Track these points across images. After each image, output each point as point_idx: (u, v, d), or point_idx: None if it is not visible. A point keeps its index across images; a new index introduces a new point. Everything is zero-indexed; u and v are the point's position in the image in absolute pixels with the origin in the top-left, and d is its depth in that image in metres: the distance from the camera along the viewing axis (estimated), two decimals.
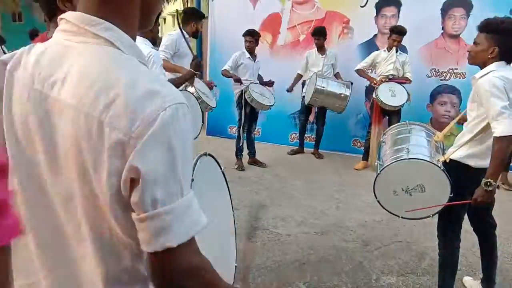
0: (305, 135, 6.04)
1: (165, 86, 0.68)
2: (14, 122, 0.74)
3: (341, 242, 3.30)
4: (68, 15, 0.74)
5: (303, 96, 5.59)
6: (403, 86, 5.10)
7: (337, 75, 5.64)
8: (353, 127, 6.05)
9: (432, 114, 5.68)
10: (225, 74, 5.02)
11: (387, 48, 5.18)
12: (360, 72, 5.34)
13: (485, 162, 2.19)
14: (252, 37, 5.02)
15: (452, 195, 2.28)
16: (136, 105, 0.64)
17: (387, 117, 5.23)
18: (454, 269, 2.47)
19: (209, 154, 1.55)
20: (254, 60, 5.14)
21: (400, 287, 2.73)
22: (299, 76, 5.68)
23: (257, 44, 5.10)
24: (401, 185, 2.39)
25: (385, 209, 2.52)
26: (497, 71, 2.18)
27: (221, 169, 1.62)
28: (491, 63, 2.22)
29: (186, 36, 4.11)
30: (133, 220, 0.66)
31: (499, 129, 2.07)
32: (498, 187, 2.15)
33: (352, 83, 5.40)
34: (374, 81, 5.19)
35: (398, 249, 3.23)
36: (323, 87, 5.19)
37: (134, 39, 0.78)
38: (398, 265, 2.99)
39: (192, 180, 1.25)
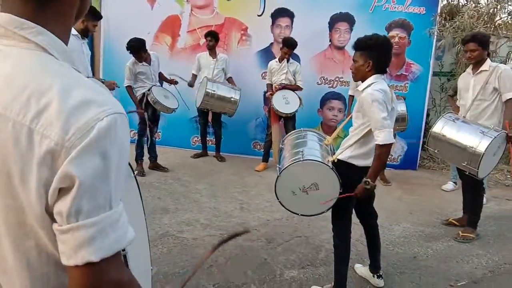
0: (207, 138, 6.09)
1: (102, 95, 0.66)
2: None
3: (246, 242, 3.43)
4: None
5: None
6: (295, 93, 5.48)
7: (229, 80, 5.78)
8: (253, 130, 6.29)
9: (322, 118, 6.20)
10: (130, 92, 4.88)
11: (279, 59, 5.49)
12: (268, 86, 5.61)
13: (366, 162, 2.55)
14: (137, 53, 4.82)
15: (341, 191, 2.57)
16: (71, 114, 0.61)
17: (283, 121, 5.56)
18: (346, 257, 2.76)
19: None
20: (150, 63, 5.00)
21: (301, 279, 2.95)
22: (194, 76, 5.71)
23: (145, 53, 4.94)
24: (298, 185, 2.61)
25: (286, 209, 2.72)
26: (376, 83, 2.50)
27: (133, 173, 1.58)
28: (370, 76, 2.54)
29: (75, 33, 3.87)
30: (55, 231, 0.63)
31: (381, 138, 2.40)
32: (375, 186, 2.50)
33: (241, 89, 5.59)
34: (270, 93, 5.47)
35: (298, 243, 3.48)
36: (214, 90, 5.34)
37: (67, 42, 0.75)
38: (299, 258, 3.22)
39: None
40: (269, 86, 5.63)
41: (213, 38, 5.52)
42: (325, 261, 3.21)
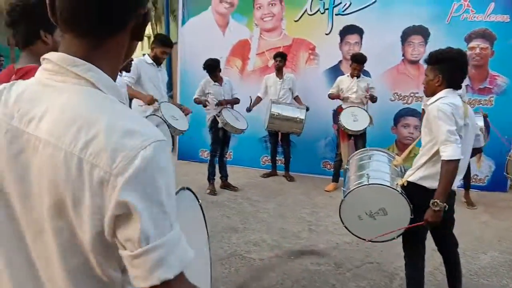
0: (277, 158, 6.13)
1: (144, 126, 0.71)
2: None
3: (314, 266, 3.34)
4: (51, 55, 0.76)
5: None
6: (365, 110, 5.30)
7: (296, 99, 5.80)
8: (322, 150, 6.20)
9: (396, 136, 5.91)
10: (197, 101, 5.11)
11: (350, 74, 5.39)
12: (332, 96, 5.50)
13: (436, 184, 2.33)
14: (213, 71, 5.05)
15: (412, 217, 2.39)
16: (116, 144, 0.66)
17: (353, 139, 5.40)
18: (419, 281, 2.55)
19: (187, 188, 1.55)
20: (221, 85, 5.21)
21: None
22: (259, 98, 5.80)
23: (219, 71, 5.18)
24: (364, 210, 2.50)
25: (352, 234, 2.61)
26: (446, 97, 2.36)
27: (199, 202, 1.64)
28: (440, 91, 2.40)
29: (150, 61, 4.21)
30: (124, 258, 0.67)
31: (446, 153, 2.24)
32: (445, 207, 2.27)
33: (308, 108, 5.55)
34: (341, 97, 5.36)
35: (369, 270, 3.31)
36: (278, 113, 5.40)
37: (115, 78, 0.81)
38: (370, 286, 3.06)
39: None
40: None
41: (282, 59, 5.61)
42: None
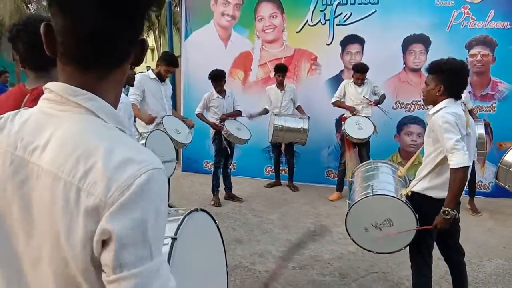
0: (280, 168, 6.15)
1: (141, 154, 0.73)
2: None
3: (319, 276, 3.35)
4: (52, 85, 0.79)
5: None
6: (369, 119, 5.33)
7: (298, 109, 5.84)
8: (326, 159, 6.21)
9: (399, 144, 5.92)
10: (200, 117, 5.19)
11: (354, 83, 5.43)
12: (336, 104, 5.54)
13: (445, 193, 2.35)
14: (219, 81, 5.14)
15: (419, 226, 2.41)
16: (112, 173, 0.68)
17: (357, 148, 5.42)
18: None
19: (201, 209, 1.47)
20: (224, 97, 5.27)
21: None
22: (266, 110, 5.81)
23: (224, 82, 5.26)
24: (370, 221, 2.52)
25: (360, 246, 2.63)
26: (448, 107, 2.39)
27: (215, 223, 1.54)
28: (441, 100, 2.43)
29: (153, 76, 4.29)
30: (104, 280, 0.69)
31: (455, 161, 2.27)
32: (456, 215, 2.30)
33: (309, 117, 5.61)
34: (352, 110, 5.38)
35: (375, 280, 3.31)
36: (282, 125, 5.48)
37: (117, 103, 0.84)
38: None
39: (175, 239, 1.26)
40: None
41: (283, 74, 5.65)
42: None
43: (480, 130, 4.60)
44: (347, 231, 2.63)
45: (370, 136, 5.25)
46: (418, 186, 2.51)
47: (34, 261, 0.74)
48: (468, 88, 5.33)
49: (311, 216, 4.84)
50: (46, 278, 0.73)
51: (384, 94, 5.46)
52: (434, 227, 2.36)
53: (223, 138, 5.20)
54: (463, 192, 2.52)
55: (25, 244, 0.75)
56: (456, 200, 2.32)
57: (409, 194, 2.53)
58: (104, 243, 0.67)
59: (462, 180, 2.29)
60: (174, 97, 6.17)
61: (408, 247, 2.56)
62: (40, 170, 0.72)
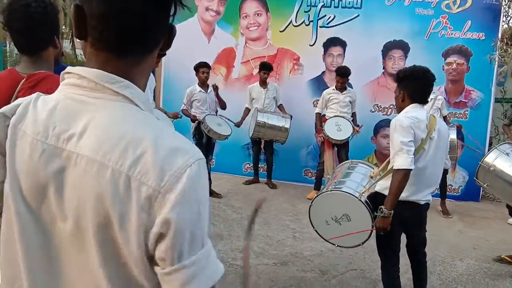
0: (259, 165, 6.18)
1: (185, 143, 0.73)
2: (18, 177, 0.74)
3: (300, 272, 3.40)
4: (83, 71, 0.75)
5: None
6: (348, 120, 5.45)
7: (280, 107, 5.92)
8: (304, 158, 6.30)
9: (376, 146, 6.08)
10: (185, 113, 5.18)
11: (335, 87, 5.52)
12: (317, 115, 5.68)
13: (405, 194, 2.40)
14: (208, 68, 5.18)
15: (373, 222, 2.49)
16: (164, 162, 0.67)
17: (336, 149, 5.53)
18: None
19: None
20: (207, 91, 5.26)
21: None
22: (247, 110, 5.87)
23: (208, 75, 5.29)
24: (330, 215, 2.65)
25: (323, 238, 2.74)
26: (409, 112, 2.47)
27: None
28: (406, 106, 2.53)
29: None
30: (158, 274, 0.69)
31: (397, 163, 2.32)
32: (391, 214, 2.36)
33: (291, 116, 5.69)
34: (320, 134, 5.53)
35: (354, 277, 3.39)
36: (264, 121, 5.51)
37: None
38: None
39: None
40: (318, 116, 5.66)
41: (268, 72, 5.68)
42: None
43: (452, 135, 4.79)
44: (310, 222, 2.75)
45: (349, 137, 5.37)
46: (379, 186, 2.59)
47: (78, 250, 0.73)
48: (444, 95, 5.56)
49: (290, 214, 4.90)
50: (91, 261, 0.72)
51: (355, 112, 5.59)
52: (376, 228, 2.43)
53: (204, 133, 5.18)
54: (429, 198, 2.59)
55: (61, 230, 0.73)
56: (394, 200, 2.35)
57: (370, 192, 2.64)
58: (160, 236, 0.67)
59: (401, 181, 2.32)
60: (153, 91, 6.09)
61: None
62: (79, 158, 0.70)
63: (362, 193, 2.62)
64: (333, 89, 5.53)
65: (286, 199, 5.48)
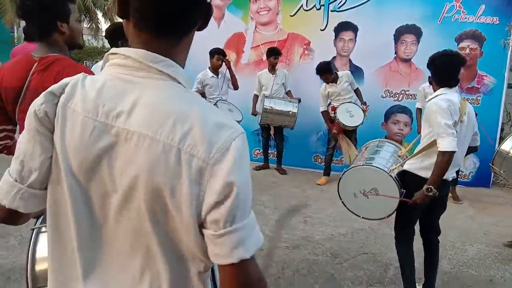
0: (269, 151, 6.21)
1: (229, 119, 0.78)
2: (68, 154, 0.77)
3: (312, 255, 3.44)
4: (128, 51, 0.78)
5: None
6: (357, 105, 5.43)
7: (288, 94, 5.91)
8: (314, 144, 6.30)
9: (386, 133, 6.06)
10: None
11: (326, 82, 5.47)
12: (324, 114, 5.66)
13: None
14: (224, 56, 5.18)
15: (401, 196, 2.61)
16: (211, 135, 0.72)
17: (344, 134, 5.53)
18: (411, 267, 2.77)
19: None
20: (218, 77, 5.27)
21: None
22: (256, 96, 5.87)
23: (222, 61, 5.28)
24: (359, 188, 2.77)
25: (349, 209, 2.86)
26: (443, 94, 2.54)
27: None
28: (437, 89, 2.62)
29: None
30: (207, 236, 0.73)
31: (442, 145, 2.41)
32: (436, 194, 2.45)
33: (300, 100, 5.68)
34: (334, 133, 5.48)
35: (365, 260, 3.43)
36: (271, 107, 5.51)
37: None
38: (366, 275, 3.18)
39: None
40: (326, 114, 5.65)
41: (278, 56, 5.66)
42: (394, 280, 3.14)
43: None
44: (338, 194, 2.87)
45: (362, 122, 5.36)
46: (410, 165, 2.69)
47: (134, 225, 0.77)
48: None
49: (301, 199, 4.94)
50: (144, 227, 0.77)
51: (358, 88, 5.54)
52: (413, 202, 2.52)
53: None
54: (454, 176, 2.69)
55: (111, 202, 0.78)
56: (438, 180, 2.46)
57: (399, 170, 2.74)
58: (216, 202, 0.71)
59: (447, 163, 2.42)
60: None
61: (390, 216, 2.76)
62: (129, 134, 0.74)
63: (393, 169, 2.74)
64: (326, 85, 5.49)
65: (295, 185, 5.52)
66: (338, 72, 5.52)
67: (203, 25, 0.85)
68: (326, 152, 5.79)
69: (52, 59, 1.73)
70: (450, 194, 5.12)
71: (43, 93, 0.80)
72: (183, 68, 0.84)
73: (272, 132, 6.07)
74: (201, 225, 0.74)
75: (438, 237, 2.87)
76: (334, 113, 5.41)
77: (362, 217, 2.87)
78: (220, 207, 0.71)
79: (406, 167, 2.71)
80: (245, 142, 0.75)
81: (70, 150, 0.77)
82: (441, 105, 2.45)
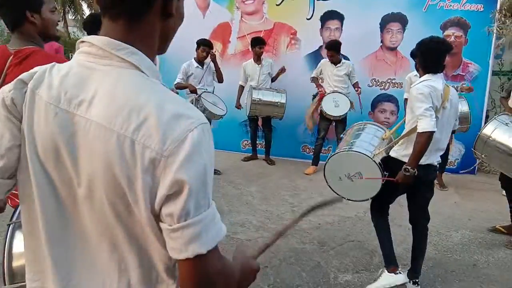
0: (257, 142, 6.20)
1: (189, 109, 0.75)
2: (35, 140, 0.77)
3: (299, 244, 3.47)
4: (93, 39, 0.78)
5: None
6: (346, 96, 5.43)
7: (355, 85, 5.70)
8: (302, 134, 6.31)
9: (373, 121, 6.08)
10: (179, 86, 5.09)
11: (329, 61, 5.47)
12: (314, 80, 5.63)
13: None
14: (209, 48, 5.12)
15: (384, 179, 2.71)
16: (166, 126, 0.69)
17: (334, 124, 5.54)
18: (387, 233, 2.88)
19: None
20: (203, 67, 5.22)
21: (356, 283, 2.94)
22: (241, 87, 5.85)
23: (208, 50, 5.22)
24: (344, 172, 2.85)
25: (334, 191, 2.95)
26: (427, 80, 2.62)
27: None
28: (423, 75, 2.69)
29: None
30: (163, 229, 0.72)
31: (421, 126, 2.50)
32: (415, 173, 2.54)
33: (285, 91, 5.68)
34: (322, 91, 5.48)
35: (351, 248, 3.46)
36: (259, 98, 5.51)
37: (154, 62, 0.84)
38: (353, 263, 3.21)
39: None
40: (315, 79, 5.63)
41: (263, 45, 5.62)
42: (380, 266, 3.16)
43: (464, 107, 4.82)
44: (324, 177, 2.96)
45: (346, 113, 5.37)
46: (395, 152, 2.77)
47: (97, 212, 0.76)
48: None
49: (289, 189, 4.95)
50: (108, 218, 0.76)
51: (357, 82, 5.53)
52: (396, 181, 2.61)
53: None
54: (439, 160, 2.77)
55: (76, 193, 0.77)
56: (417, 160, 2.54)
57: (384, 156, 2.84)
58: (170, 196, 0.69)
59: (425, 143, 2.50)
60: None
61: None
62: (89, 124, 0.73)
63: (376, 154, 2.81)
64: (326, 61, 5.49)
65: (284, 175, 5.53)
66: (344, 60, 5.49)
67: (166, 9, 0.81)
68: (316, 142, 5.80)
69: (28, 52, 1.70)
70: (436, 181, 5.19)
71: (13, 80, 0.80)
72: (152, 57, 0.83)
73: (260, 123, 6.06)
74: (158, 219, 0.73)
75: (428, 228, 2.90)
76: (321, 101, 5.42)
77: (347, 199, 2.95)
78: (173, 201, 0.70)
79: (393, 154, 2.77)
80: (205, 133, 0.73)
81: (37, 137, 0.77)
82: (423, 91, 2.54)
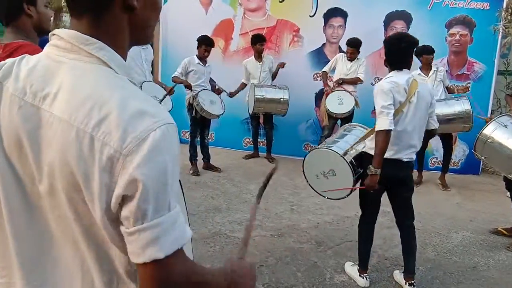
0: (258, 140, 6.17)
1: (154, 107, 0.72)
2: (0, 132, 0.75)
3: (296, 244, 3.44)
4: (62, 32, 0.76)
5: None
6: (351, 94, 5.38)
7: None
8: (304, 132, 6.27)
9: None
10: (175, 80, 5.02)
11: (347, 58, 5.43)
12: (323, 75, 5.61)
13: (388, 153, 2.58)
14: (210, 47, 5.07)
15: (355, 177, 2.73)
16: (127, 124, 0.67)
17: (339, 122, 5.50)
18: (368, 237, 2.91)
19: None
20: (205, 65, 5.18)
21: (352, 284, 2.91)
22: (243, 84, 5.80)
23: (209, 52, 5.17)
24: (319, 170, 2.89)
25: (314, 190, 2.98)
26: (390, 77, 2.64)
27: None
28: (390, 71, 2.70)
29: None
30: (122, 232, 0.69)
31: (378, 125, 2.52)
32: (378, 172, 2.54)
33: (287, 88, 5.63)
34: (327, 90, 5.43)
35: (349, 248, 3.42)
36: (263, 95, 5.48)
37: (124, 58, 0.81)
38: None
39: None
40: (324, 74, 5.59)
41: (264, 42, 5.58)
42: (377, 267, 3.14)
43: (467, 106, 4.73)
44: (304, 175, 3.00)
45: (349, 111, 5.32)
46: (366, 146, 2.78)
47: (53, 206, 0.75)
48: (446, 67, 5.47)
49: (289, 188, 4.92)
50: (67, 215, 0.74)
51: (359, 78, 5.50)
52: (366, 186, 2.60)
53: (195, 110, 5.10)
54: (413, 157, 2.76)
55: (39, 188, 0.75)
56: (379, 159, 2.53)
57: (358, 152, 2.85)
58: (125, 197, 0.67)
59: (383, 141, 2.50)
60: (152, 62, 6.03)
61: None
62: (52, 118, 0.71)
63: (347, 150, 2.81)
64: (343, 58, 5.47)
65: (284, 173, 5.48)
66: (359, 58, 5.47)
67: (127, 2, 0.76)
68: (319, 140, 5.74)
69: (16, 46, 1.69)
70: (439, 181, 5.13)
71: None
72: (123, 52, 0.80)
73: (261, 120, 6.02)
74: (117, 220, 0.70)
75: (415, 225, 2.87)
76: (325, 99, 5.40)
77: (327, 198, 2.98)
78: (129, 203, 0.67)
79: (365, 148, 2.80)
80: (168, 134, 0.69)
81: (2, 129, 0.75)
82: (384, 87, 2.57)
